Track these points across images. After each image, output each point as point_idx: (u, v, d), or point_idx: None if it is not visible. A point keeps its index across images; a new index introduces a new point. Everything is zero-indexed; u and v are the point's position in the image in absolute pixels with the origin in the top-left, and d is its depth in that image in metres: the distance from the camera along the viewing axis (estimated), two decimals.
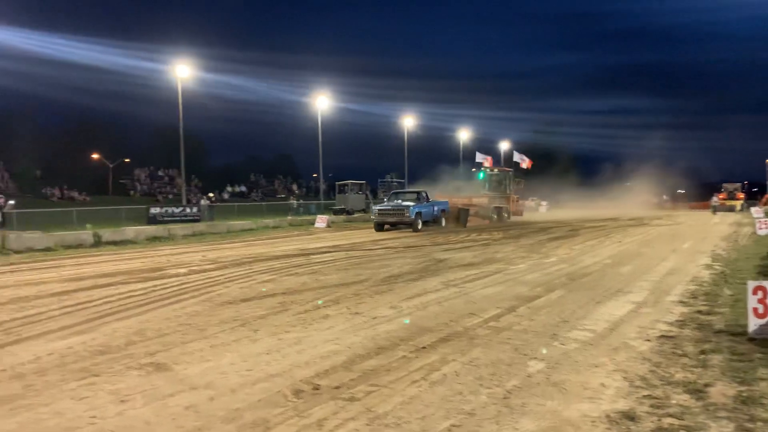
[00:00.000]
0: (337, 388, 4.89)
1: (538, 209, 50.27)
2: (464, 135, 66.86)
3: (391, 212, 25.83)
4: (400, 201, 26.72)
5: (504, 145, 71.07)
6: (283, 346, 6.30)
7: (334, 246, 18.58)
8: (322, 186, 56.83)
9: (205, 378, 5.22)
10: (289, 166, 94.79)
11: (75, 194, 57.28)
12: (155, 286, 10.55)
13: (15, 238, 18.54)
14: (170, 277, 11.76)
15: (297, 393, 4.78)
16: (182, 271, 12.70)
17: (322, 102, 47.18)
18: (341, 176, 45.85)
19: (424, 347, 6.17)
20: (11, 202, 27.09)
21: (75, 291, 10.05)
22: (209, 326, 7.28)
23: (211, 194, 52.45)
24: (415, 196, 27.31)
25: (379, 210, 26.40)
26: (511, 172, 38.52)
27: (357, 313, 7.94)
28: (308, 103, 49.42)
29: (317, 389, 4.87)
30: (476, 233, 23.70)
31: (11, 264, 14.85)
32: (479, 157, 48.46)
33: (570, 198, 54.13)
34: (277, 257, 15.22)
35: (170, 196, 64.76)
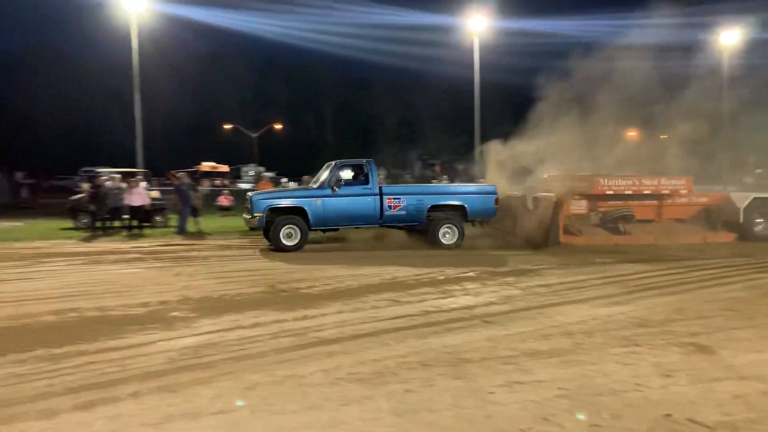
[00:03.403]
0: None
1: None
2: None
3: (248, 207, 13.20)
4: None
5: None
6: None
7: None
8: None
9: (756, 369, 4.76)
10: None
11: None
12: (698, 265, 10.17)
13: None
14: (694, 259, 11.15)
15: None
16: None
17: None
18: None
19: None
20: None
21: (617, 263, 10.55)
22: (758, 315, 6.60)
23: None
24: (329, 172, 13.01)
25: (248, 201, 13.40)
26: None
27: None
28: None
29: None
30: None
31: None
32: None
33: None
34: None
35: None
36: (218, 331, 6.04)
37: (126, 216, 16.45)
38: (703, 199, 14.37)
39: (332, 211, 12.66)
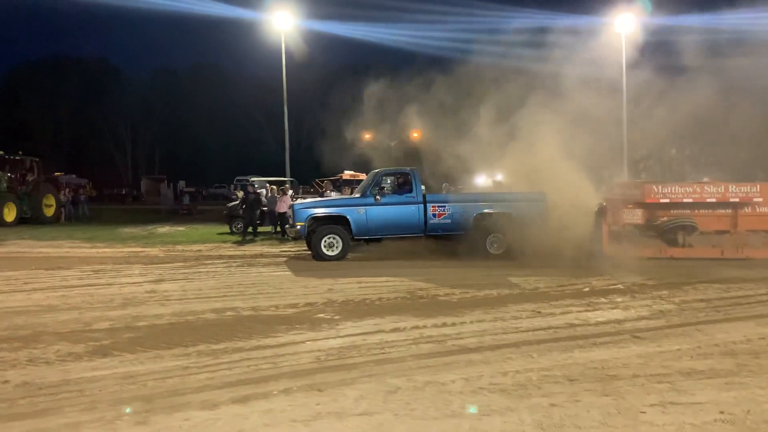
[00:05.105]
0: None
1: None
2: None
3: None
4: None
5: None
6: None
7: None
8: None
9: None
10: None
11: None
12: None
13: None
14: None
15: None
16: None
17: None
18: None
19: None
20: None
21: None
22: None
23: None
24: (372, 180, 13.09)
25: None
26: None
27: None
28: None
29: None
30: None
31: None
32: None
33: None
34: None
35: None
36: (360, 334, 6.22)
37: (277, 222, 17.51)
38: None
39: (375, 220, 12.43)
